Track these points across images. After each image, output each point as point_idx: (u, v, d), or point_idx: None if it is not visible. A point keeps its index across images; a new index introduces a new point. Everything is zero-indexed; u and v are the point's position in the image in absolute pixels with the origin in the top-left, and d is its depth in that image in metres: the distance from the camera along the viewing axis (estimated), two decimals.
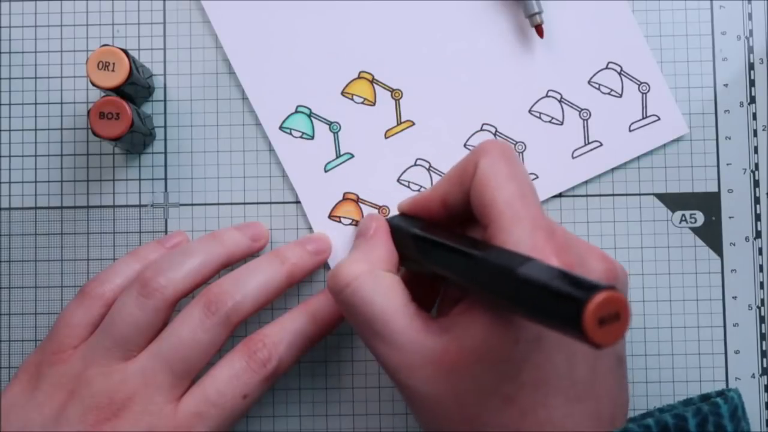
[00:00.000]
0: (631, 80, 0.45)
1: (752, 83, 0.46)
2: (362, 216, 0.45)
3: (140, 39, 0.46)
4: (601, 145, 0.45)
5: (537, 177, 0.45)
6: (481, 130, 0.45)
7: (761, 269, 0.45)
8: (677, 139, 0.46)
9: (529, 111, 0.45)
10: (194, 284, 0.40)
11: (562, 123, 0.45)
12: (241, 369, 0.39)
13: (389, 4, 0.46)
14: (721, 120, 0.46)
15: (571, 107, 0.45)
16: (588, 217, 0.45)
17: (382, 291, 0.36)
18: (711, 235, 0.45)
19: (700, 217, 0.45)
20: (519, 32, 0.45)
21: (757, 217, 0.45)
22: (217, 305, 0.39)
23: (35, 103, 0.46)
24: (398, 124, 0.45)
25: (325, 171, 0.45)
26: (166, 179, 0.46)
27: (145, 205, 0.46)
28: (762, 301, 0.45)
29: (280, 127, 0.45)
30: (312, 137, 0.45)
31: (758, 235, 0.45)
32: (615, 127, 0.45)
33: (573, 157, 0.45)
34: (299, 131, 0.45)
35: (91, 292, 0.41)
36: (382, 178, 0.45)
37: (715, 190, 0.45)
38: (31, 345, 0.45)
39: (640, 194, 0.46)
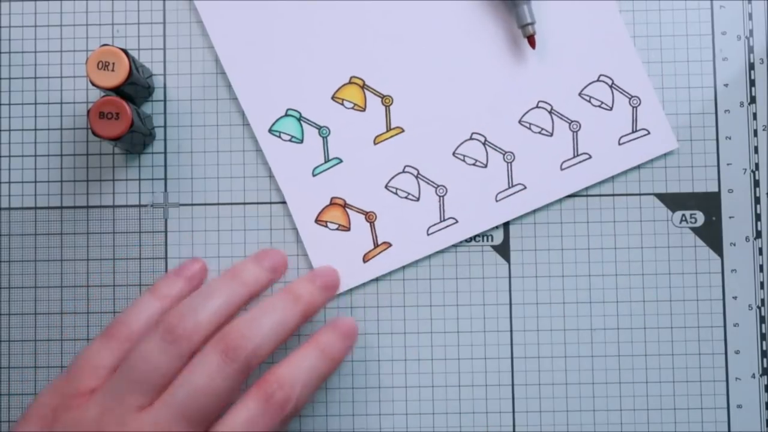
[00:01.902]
0: (622, 93, 0.45)
1: (752, 83, 0.46)
2: (349, 221, 0.45)
3: (140, 39, 0.46)
4: (590, 157, 0.45)
5: (525, 187, 0.45)
6: (471, 138, 0.45)
7: (761, 269, 0.45)
8: (677, 139, 0.45)
9: (519, 121, 0.45)
10: (218, 326, 0.39)
11: (551, 134, 0.45)
12: (258, 413, 0.38)
13: (382, 10, 0.46)
14: (721, 120, 0.46)
15: (561, 119, 0.45)
16: (588, 217, 0.45)
17: None
18: (711, 235, 0.45)
19: (700, 217, 0.45)
20: (512, 42, 0.45)
21: (757, 217, 0.45)
22: (236, 351, 0.38)
23: (35, 103, 0.46)
24: (388, 131, 0.45)
25: (313, 175, 0.45)
26: (166, 179, 0.46)
27: (145, 205, 0.46)
28: (762, 301, 0.45)
29: (269, 130, 0.45)
30: (301, 141, 0.45)
31: (758, 235, 0.45)
32: (604, 139, 0.45)
33: (562, 169, 0.45)
34: (288, 134, 0.45)
35: (117, 334, 0.40)
36: (370, 184, 0.45)
37: (715, 190, 0.45)
38: (30, 345, 0.45)
39: (640, 194, 0.45)
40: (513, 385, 0.45)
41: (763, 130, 0.46)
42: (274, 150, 0.45)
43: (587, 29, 0.45)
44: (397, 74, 0.45)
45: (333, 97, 0.45)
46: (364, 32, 0.45)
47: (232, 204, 0.45)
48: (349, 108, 0.45)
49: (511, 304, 0.45)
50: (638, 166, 0.45)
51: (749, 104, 0.46)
